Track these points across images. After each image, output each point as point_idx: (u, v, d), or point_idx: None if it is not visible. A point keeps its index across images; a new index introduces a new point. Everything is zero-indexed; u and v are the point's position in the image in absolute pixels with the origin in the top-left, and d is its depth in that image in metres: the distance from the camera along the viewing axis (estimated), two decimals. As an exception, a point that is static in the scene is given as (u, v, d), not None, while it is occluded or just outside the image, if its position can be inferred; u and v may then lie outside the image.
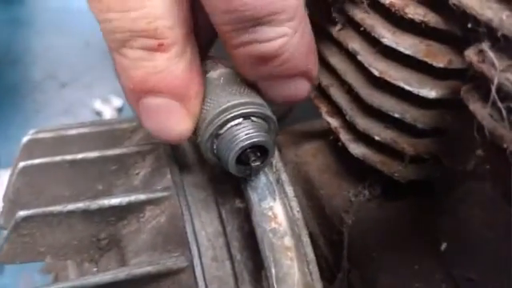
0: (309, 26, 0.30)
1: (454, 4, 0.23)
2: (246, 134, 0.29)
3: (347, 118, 0.32)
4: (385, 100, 0.29)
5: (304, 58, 0.30)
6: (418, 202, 0.31)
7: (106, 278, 0.30)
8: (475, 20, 0.21)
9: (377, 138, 0.31)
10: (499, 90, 0.20)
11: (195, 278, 0.31)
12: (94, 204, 0.33)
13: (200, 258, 0.30)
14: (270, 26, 0.28)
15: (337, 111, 0.34)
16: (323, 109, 0.35)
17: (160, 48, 0.29)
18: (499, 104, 0.20)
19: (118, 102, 1.52)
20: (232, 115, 0.29)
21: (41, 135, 0.42)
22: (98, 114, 1.50)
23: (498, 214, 0.25)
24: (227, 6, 0.27)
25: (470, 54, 0.22)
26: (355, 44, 0.30)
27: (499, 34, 0.20)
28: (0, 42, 1.63)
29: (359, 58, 0.29)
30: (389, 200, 0.34)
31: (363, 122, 0.30)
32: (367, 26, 0.29)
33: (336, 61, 0.33)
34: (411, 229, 0.32)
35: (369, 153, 0.31)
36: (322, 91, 0.35)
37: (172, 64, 0.29)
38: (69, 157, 0.38)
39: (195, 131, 0.31)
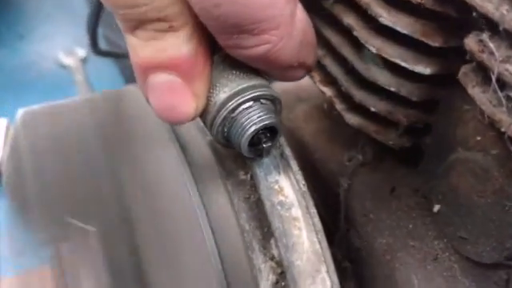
0: (300, 26, 0.30)
1: None
2: (259, 117, 0.30)
3: (343, 89, 0.33)
4: (380, 74, 0.31)
5: (295, 56, 0.31)
6: (410, 167, 0.34)
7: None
8: (476, 10, 0.23)
9: (372, 109, 0.33)
10: (498, 79, 0.22)
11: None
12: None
13: (213, 232, 0.33)
14: (252, 34, 0.29)
15: (331, 81, 0.35)
16: (317, 78, 0.37)
17: (170, 29, 0.30)
18: (499, 93, 0.21)
19: (82, 52, 1.51)
20: (244, 98, 0.30)
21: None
22: (63, 66, 1.48)
23: (488, 183, 0.27)
24: (211, 14, 0.28)
25: (470, 42, 0.23)
26: (350, 19, 0.31)
27: (500, 28, 0.21)
28: None
29: (355, 33, 0.31)
30: (382, 164, 0.36)
31: (359, 94, 0.32)
32: (363, 4, 0.30)
33: (330, 33, 0.34)
34: (405, 192, 0.34)
35: (364, 122, 0.33)
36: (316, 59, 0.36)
37: (180, 43, 0.30)
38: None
39: (202, 115, 0.31)
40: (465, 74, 0.25)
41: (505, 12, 0.21)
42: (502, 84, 0.22)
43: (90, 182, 0.38)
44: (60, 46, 1.52)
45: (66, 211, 0.37)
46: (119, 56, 0.77)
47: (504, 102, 0.21)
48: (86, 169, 0.37)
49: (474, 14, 0.23)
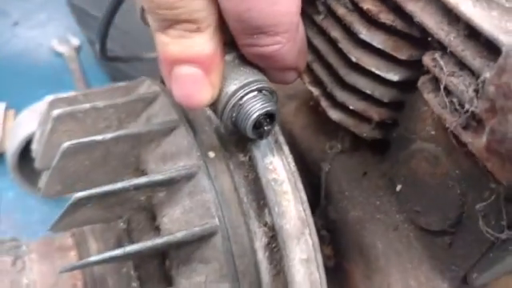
0: (300, 35, 0.36)
1: (417, 21, 0.30)
2: (261, 105, 0.35)
3: (327, 89, 0.39)
4: (359, 79, 0.37)
5: (294, 59, 0.37)
6: (379, 155, 0.40)
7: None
8: (432, 35, 0.29)
9: (351, 107, 0.39)
10: (445, 88, 0.28)
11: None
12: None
13: (218, 206, 0.38)
14: (268, 35, 0.34)
15: (318, 82, 0.41)
16: (306, 79, 0.43)
17: (197, 30, 0.34)
18: (445, 98, 0.27)
19: (75, 41, 1.52)
20: (250, 89, 0.35)
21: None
22: (57, 54, 1.48)
23: (438, 167, 0.33)
24: (238, 17, 0.33)
25: (427, 59, 0.29)
26: (336, 33, 0.37)
27: (448, 50, 0.27)
28: None
29: (339, 45, 0.36)
30: (357, 152, 0.42)
31: (341, 94, 0.38)
32: (347, 22, 0.35)
33: (318, 42, 0.40)
34: (374, 174, 0.40)
35: (344, 118, 0.39)
36: (306, 65, 0.42)
37: (204, 42, 0.35)
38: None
39: (213, 103, 0.36)
40: (423, 82, 0.31)
41: (452, 38, 0.27)
42: (448, 92, 0.28)
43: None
44: (54, 33, 1.53)
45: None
46: (124, 61, 0.79)
47: (448, 105, 0.28)
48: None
49: (430, 38, 0.30)
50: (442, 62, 0.29)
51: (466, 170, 0.30)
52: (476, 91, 0.26)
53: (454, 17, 0.27)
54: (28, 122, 0.98)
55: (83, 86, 1.42)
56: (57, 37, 1.51)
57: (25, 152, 1.00)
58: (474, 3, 0.27)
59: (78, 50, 1.49)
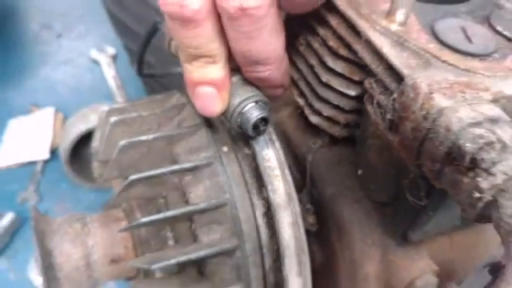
0: (285, 63, 0.45)
1: (360, 57, 0.41)
2: (258, 112, 0.44)
3: (308, 101, 0.50)
4: (329, 94, 0.46)
5: (281, 80, 0.46)
6: (349, 148, 0.51)
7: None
8: (370, 67, 0.40)
9: (325, 114, 0.46)
10: (377, 102, 0.39)
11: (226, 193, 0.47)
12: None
13: (230, 186, 0.47)
14: (263, 65, 0.43)
15: (302, 95, 0.52)
16: (294, 92, 0.54)
17: (213, 62, 0.43)
18: (377, 110, 0.39)
19: (112, 50, 1.61)
20: (249, 101, 0.44)
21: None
22: (95, 62, 1.58)
23: (382, 156, 0.44)
24: (242, 54, 0.42)
25: (366, 82, 0.40)
26: (312, 60, 0.47)
27: (377, 77, 0.39)
28: None
29: (315, 69, 0.47)
30: (334, 147, 0.54)
31: (317, 105, 0.48)
32: (319, 53, 0.46)
33: (301, 66, 0.50)
34: (345, 163, 0.51)
35: (321, 121, 0.48)
36: (293, 82, 0.52)
37: (218, 70, 0.44)
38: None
39: (225, 112, 0.45)
40: (366, 98, 0.41)
41: (379, 69, 0.39)
42: (378, 105, 0.39)
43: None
44: (92, 43, 1.64)
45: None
46: (158, 77, 0.88)
47: (379, 114, 0.39)
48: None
49: (368, 68, 0.41)
50: (374, 85, 0.39)
51: (396, 159, 0.41)
52: (392, 106, 0.38)
53: (379, 55, 0.38)
54: (77, 124, 1.09)
55: (119, 89, 1.50)
56: (95, 46, 1.63)
57: (75, 149, 1.11)
58: (391, 47, 0.38)
59: (114, 57, 1.60)
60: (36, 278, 0.99)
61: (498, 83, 0.34)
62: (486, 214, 0.31)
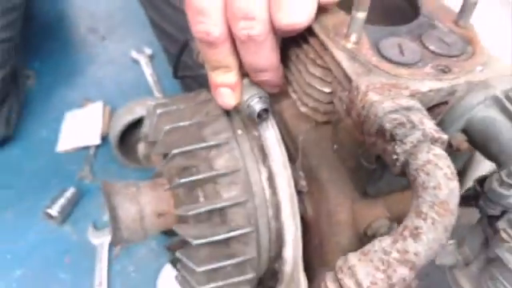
0: (280, 70, 0.54)
1: (329, 67, 0.55)
2: (261, 104, 0.54)
3: (298, 95, 0.60)
4: (312, 91, 0.52)
5: (277, 82, 0.55)
6: (327, 130, 0.60)
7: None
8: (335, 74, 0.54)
9: (310, 105, 0.54)
10: (339, 97, 0.54)
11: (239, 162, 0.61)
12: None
13: (243, 158, 0.58)
14: (264, 72, 0.52)
15: (295, 91, 0.57)
16: (289, 89, 0.62)
17: (229, 70, 0.52)
18: (338, 103, 0.53)
19: (149, 50, 1.73)
20: (255, 97, 0.54)
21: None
22: (136, 61, 1.71)
23: (350, 136, 0.58)
24: (250, 65, 0.51)
25: (333, 84, 0.55)
26: (300, 67, 0.54)
27: (339, 80, 0.53)
28: (46, 2, 1.75)
29: (302, 74, 0.56)
30: (319, 128, 0.64)
31: (305, 99, 0.54)
32: (304, 62, 0.57)
33: (293, 70, 0.55)
34: (326, 140, 0.57)
35: (307, 110, 0.55)
36: (288, 82, 0.59)
37: (233, 76, 0.53)
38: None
39: (238, 105, 0.55)
40: (333, 94, 0.56)
41: (340, 76, 0.52)
42: (340, 99, 0.54)
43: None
44: (133, 45, 1.79)
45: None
46: (191, 78, 1.00)
47: (340, 105, 0.54)
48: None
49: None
50: (337, 86, 0.52)
51: (355, 136, 0.55)
52: (346, 99, 0.52)
53: (339, 65, 0.48)
54: (124, 115, 1.22)
55: (156, 84, 1.63)
56: (134, 47, 1.77)
57: (122, 136, 1.25)
58: (347, 60, 0.48)
59: (151, 57, 1.74)
60: (93, 238, 1.15)
61: (417, 84, 0.47)
62: (404, 170, 0.46)
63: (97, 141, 1.39)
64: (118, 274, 1.05)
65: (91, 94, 1.55)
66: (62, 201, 1.17)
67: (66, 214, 1.20)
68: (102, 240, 1.11)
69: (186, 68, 0.94)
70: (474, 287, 0.51)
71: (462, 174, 0.61)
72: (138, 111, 1.15)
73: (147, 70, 1.67)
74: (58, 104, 1.49)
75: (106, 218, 1.15)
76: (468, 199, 0.53)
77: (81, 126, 1.41)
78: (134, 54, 1.73)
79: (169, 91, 1.58)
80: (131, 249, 1.04)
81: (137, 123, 1.14)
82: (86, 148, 1.38)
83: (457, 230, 0.55)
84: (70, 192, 1.20)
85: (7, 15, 1.06)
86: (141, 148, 1.10)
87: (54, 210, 1.16)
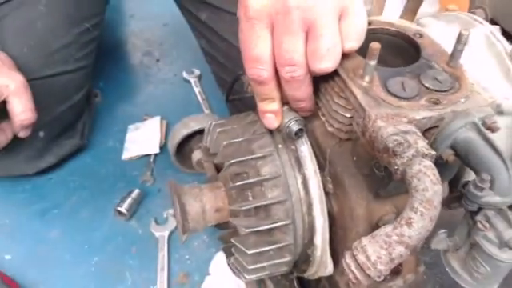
0: (313, 99, 0.62)
1: (349, 98, 0.71)
2: (297, 125, 0.63)
3: (326, 118, 0.76)
4: (337, 115, 0.61)
5: (310, 108, 0.63)
6: (349, 145, 0.79)
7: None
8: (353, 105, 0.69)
9: (336, 126, 0.61)
10: (356, 122, 0.68)
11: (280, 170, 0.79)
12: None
13: (283, 166, 0.73)
14: (300, 101, 0.62)
15: (323, 115, 0.66)
16: (320, 113, 0.72)
17: (273, 101, 0.61)
18: (356, 126, 0.68)
19: (197, 71, 1.82)
20: (292, 120, 0.63)
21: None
22: (186, 81, 1.82)
23: (365, 150, 0.72)
24: (291, 97, 0.62)
25: (354, 122, 0.67)
26: (328, 97, 0.73)
27: (356, 109, 0.68)
28: (108, 29, 1.90)
29: (329, 102, 0.75)
30: (343, 143, 0.79)
31: (331, 121, 0.62)
32: (331, 94, 0.75)
33: (323, 99, 0.63)
34: (347, 153, 0.65)
35: (334, 130, 0.63)
36: (319, 107, 0.66)
37: (276, 105, 0.62)
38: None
39: (279, 126, 0.63)
40: (352, 119, 0.71)
41: (357, 106, 0.68)
42: (357, 123, 0.69)
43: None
44: (183, 66, 1.91)
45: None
46: (240, 101, 1.05)
47: (357, 128, 0.68)
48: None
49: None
50: (355, 113, 0.68)
51: (369, 151, 0.69)
52: (362, 124, 0.65)
53: (356, 98, 0.58)
54: (181, 129, 1.31)
55: (204, 101, 1.74)
56: (185, 68, 1.88)
57: (179, 146, 1.34)
58: (362, 95, 0.61)
59: (199, 77, 1.85)
60: (155, 231, 1.25)
61: (413, 113, 0.59)
62: (402, 177, 0.58)
63: (156, 150, 1.46)
64: (176, 261, 1.20)
65: (149, 110, 1.67)
66: (129, 200, 1.30)
67: (133, 211, 1.32)
68: (162, 233, 1.24)
69: (234, 92, 1.08)
70: (461, 266, 0.64)
71: (455, 180, 0.74)
72: (192, 125, 1.25)
73: (196, 89, 1.78)
74: (121, 118, 1.62)
75: (165, 214, 1.28)
76: (457, 199, 0.67)
77: (142, 137, 1.53)
78: (185, 75, 1.83)
79: (214, 106, 1.68)
80: (187, 241, 1.19)
81: (191, 135, 1.23)
82: (147, 156, 1.48)
83: (450, 224, 0.68)
84: (135, 193, 1.32)
85: (87, 47, 1.23)
86: (195, 156, 1.24)
87: (123, 208, 1.28)
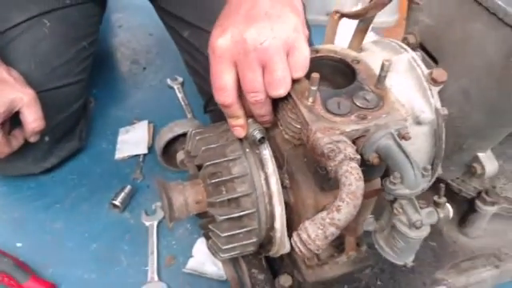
0: (271, 114, 0.72)
1: (298, 115, 0.85)
2: (260, 134, 0.72)
3: (283, 128, 0.93)
4: (290, 126, 0.78)
5: (269, 120, 0.72)
6: (301, 149, 0.94)
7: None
8: None
9: (290, 134, 0.72)
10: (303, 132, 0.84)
11: (247, 170, 0.97)
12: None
13: (250, 167, 0.95)
14: (264, 116, 0.73)
15: (281, 125, 0.80)
16: (278, 123, 0.91)
17: (238, 117, 0.71)
18: (303, 135, 0.83)
19: (180, 79, 1.88)
20: (257, 130, 0.72)
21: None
22: (170, 87, 1.87)
23: (311, 153, 0.88)
24: (255, 113, 0.70)
25: (302, 132, 0.85)
26: (283, 113, 0.82)
27: (302, 123, 0.83)
28: (100, 40, 1.96)
29: (285, 116, 0.90)
30: (297, 147, 0.97)
31: (287, 130, 0.75)
32: (285, 110, 0.89)
33: (280, 114, 0.77)
34: (300, 155, 0.85)
35: (289, 137, 0.74)
36: (278, 120, 0.76)
37: (241, 120, 0.71)
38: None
39: (246, 135, 0.72)
40: (300, 129, 0.86)
41: (302, 120, 0.83)
42: (304, 133, 0.84)
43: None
44: (167, 74, 1.97)
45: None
46: (217, 112, 1.08)
47: (304, 137, 0.84)
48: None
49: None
50: (302, 125, 0.84)
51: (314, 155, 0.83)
52: (305, 134, 0.80)
53: (302, 115, 0.80)
54: (166, 133, 1.39)
55: (186, 106, 1.81)
56: (169, 76, 1.94)
57: (165, 148, 1.41)
58: (307, 112, 0.79)
59: (182, 84, 1.91)
60: (145, 221, 1.34)
61: (344, 126, 0.68)
62: (336, 175, 0.72)
63: (145, 150, 1.50)
64: (164, 246, 1.29)
65: (138, 114, 1.73)
66: (122, 195, 1.38)
67: (126, 204, 1.36)
68: (152, 222, 1.33)
69: (211, 104, 1.19)
70: (386, 244, 0.77)
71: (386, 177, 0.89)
72: (176, 130, 1.33)
73: (179, 95, 1.83)
74: (113, 122, 1.68)
75: (154, 206, 1.37)
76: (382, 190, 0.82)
77: (132, 139, 1.58)
78: (169, 82, 1.87)
79: (196, 110, 1.74)
80: (173, 228, 1.32)
81: (175, 138, 1.32)
82: (137, 156, 1.51)
83: (377, 210, 0.84)
84: (127, 188, 1.41)
85: (84, 62, 1.33)
86: (179, 157, 1.34)
87: (117, 202, 1.37)
